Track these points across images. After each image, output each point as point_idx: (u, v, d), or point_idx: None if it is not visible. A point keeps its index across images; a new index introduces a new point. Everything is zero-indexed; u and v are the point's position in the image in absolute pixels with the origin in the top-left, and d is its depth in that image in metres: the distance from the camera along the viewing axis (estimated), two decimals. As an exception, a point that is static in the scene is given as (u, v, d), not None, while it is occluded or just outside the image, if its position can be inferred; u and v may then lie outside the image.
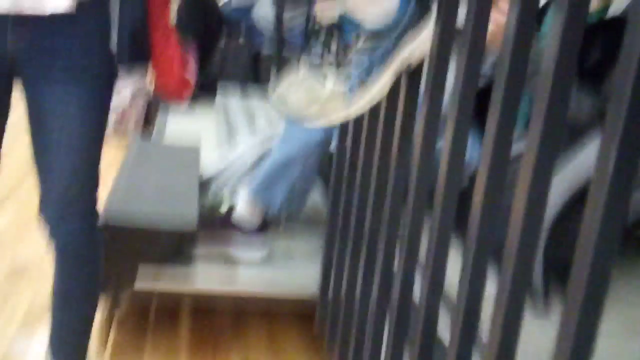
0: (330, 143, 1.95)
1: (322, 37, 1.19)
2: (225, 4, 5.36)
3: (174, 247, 1.81)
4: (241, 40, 4.86)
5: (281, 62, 4.19)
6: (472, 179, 0.94)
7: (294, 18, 4.57)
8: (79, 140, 1.33)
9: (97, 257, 1.49)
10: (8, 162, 3.52)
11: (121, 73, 1.33)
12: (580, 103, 1.54)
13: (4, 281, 2.23)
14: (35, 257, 2.38)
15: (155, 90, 1.42)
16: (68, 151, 1.32)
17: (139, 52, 1.35)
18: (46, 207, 1.39)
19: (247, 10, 4.99)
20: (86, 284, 1.50)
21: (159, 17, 1.36)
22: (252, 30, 4.90)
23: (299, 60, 1.24)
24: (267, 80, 4.68)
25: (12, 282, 2.23)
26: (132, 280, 1.79)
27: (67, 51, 1.26)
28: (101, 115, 1.36)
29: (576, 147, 1.47)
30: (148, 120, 4.34)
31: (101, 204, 1.51)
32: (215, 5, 4.82)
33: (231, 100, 4.00)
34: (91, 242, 1.45)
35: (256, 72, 4.81)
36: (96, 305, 1.55)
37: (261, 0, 4.68)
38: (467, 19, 0.99)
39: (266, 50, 4.80)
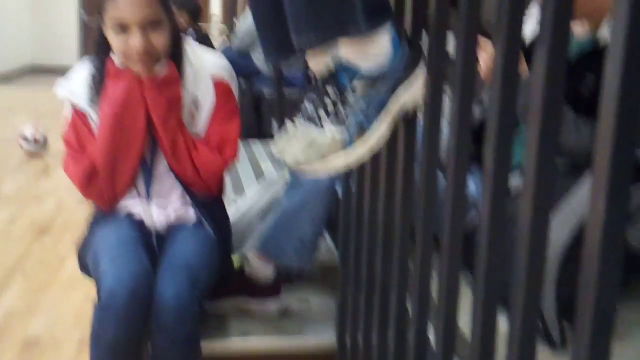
0: (336, 189, 1.94)
1: (318, 87, 1.19)
2: (225, 49, 5.38)
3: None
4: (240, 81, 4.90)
5: (283, 103, 4.19)
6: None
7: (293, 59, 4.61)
8: None
9: None
10: (15, 231, 3.51)
11: None
12: (580, 132, 1.54)
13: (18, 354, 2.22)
14: (47, 329, 2.38)
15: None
16: None
17: None
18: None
19: (246, 53, 5.03)
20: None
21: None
22: (252, 72, 4.94)
23: (300, 101, 1.22)
24: (270, 121, 4.69)
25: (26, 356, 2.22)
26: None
27: None
28: None
29: (582, 177, 1.47)
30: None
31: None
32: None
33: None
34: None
35: (259, 114, 4.81)
36: None
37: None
38: (455, 63, 1.00)
39: (267, 91, 4.82)
